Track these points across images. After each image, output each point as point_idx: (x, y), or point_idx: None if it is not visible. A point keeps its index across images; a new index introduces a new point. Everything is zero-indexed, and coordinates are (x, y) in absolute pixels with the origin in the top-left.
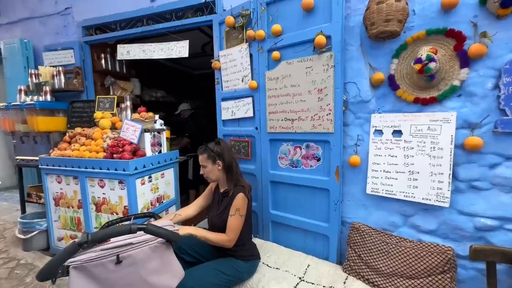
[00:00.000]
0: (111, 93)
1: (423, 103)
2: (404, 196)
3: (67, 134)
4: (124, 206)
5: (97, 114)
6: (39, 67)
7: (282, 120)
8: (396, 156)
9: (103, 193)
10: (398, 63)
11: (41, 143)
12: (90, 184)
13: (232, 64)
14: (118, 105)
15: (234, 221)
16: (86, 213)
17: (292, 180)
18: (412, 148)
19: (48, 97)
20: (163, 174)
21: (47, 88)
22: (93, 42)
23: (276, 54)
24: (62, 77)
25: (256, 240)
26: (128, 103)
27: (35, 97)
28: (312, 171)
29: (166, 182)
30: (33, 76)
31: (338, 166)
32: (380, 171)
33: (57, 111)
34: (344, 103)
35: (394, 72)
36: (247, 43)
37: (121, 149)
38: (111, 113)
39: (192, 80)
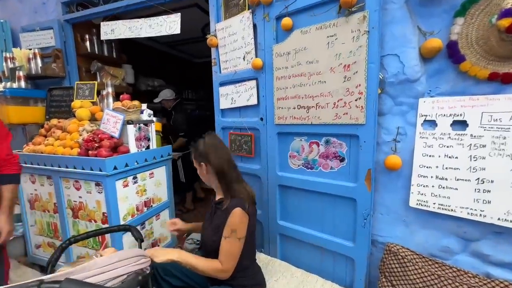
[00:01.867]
0: (99, 81)
1: (505, 81)
2: (469, 213)
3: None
4: (103, 213)
5: (75, 103)
6: (13, 49)
7: (294, 108)
8: (456, 157)
9: (79, 197)
10: (465, 24)
11: (15, 137)
12: (65, 185)
13: (232, 39)
14: (100, 93)
15: (229, 246)
16: (62, 219)
17: (306, 185)
18: (484, 146)
19: (22, 84)
20: (152, 173)
21: (21, 73)
22: (76, 20)
23: (287, 21)
24: (39, 60)
25: (260, 256)
26: (110, 89)
27: (8, 84)
28: (333, 174)
29: (156, 183)
30: (8, 60)
31: (370, 169)
32: (431, 177)
33: (34, 100)
34: (380, 84)
35: (457, 38)
36: (250, 10)
37: (97, 145)
38: (91, 102)
39: (194, 69)
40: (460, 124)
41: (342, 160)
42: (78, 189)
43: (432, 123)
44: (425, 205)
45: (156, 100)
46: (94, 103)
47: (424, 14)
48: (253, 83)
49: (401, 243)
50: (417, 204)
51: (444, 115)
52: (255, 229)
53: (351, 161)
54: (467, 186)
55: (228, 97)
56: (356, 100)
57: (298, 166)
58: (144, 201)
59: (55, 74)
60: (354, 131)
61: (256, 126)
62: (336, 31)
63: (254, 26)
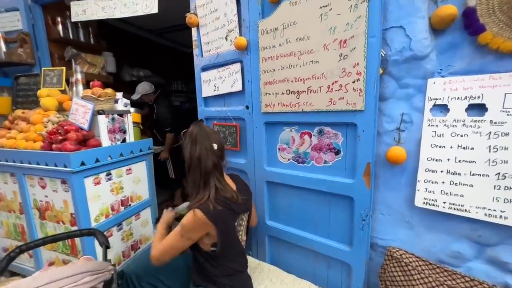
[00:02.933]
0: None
1: None
2: (486, 214)
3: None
4: (71, 214)
5: (42, 92)
6: None
7: (282, 93)
8: (472, 148)
9: (45, 196)
10: None
11: None
12: (29, 183)
13: (214, 17)
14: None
15: (170, 236)
16: (29, 220)
17: (297, 181)
18: (506, 134)
19: None
20: (129, 169)
21: None
22: (45, 1)
23: None
24: (3, 45)
25: (249, 259)
26: (79, 75)
27: None
28: (327, 169)
29: (135, 180)
30: None
31: (370, 163)
32: (442, 172)
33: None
34: (381, 63)
35: (475, 3)
36: None
37: (61, 137)
38: (60, 90)
39: (184, 59)
40: (478, 109)
41: (337, 153)
42: (43, 187)
43: (443, 108)
44: (433, 205)
45: (134, 97)
46: (63, 92)
47: None
48: (237, 66)
49: (404, 247)
50: (424, 203)
51: (458, 98)
52: (233, 238)
53: (347, 154)
54: (485, 182)
55: (210, 83)
56: (353, 82)
57: (288, 160)
58: (121, 200)
59: (22, 60)
60: (351, 119)
61: (241, 116)
62: (330, 0)
63: (237, 0)
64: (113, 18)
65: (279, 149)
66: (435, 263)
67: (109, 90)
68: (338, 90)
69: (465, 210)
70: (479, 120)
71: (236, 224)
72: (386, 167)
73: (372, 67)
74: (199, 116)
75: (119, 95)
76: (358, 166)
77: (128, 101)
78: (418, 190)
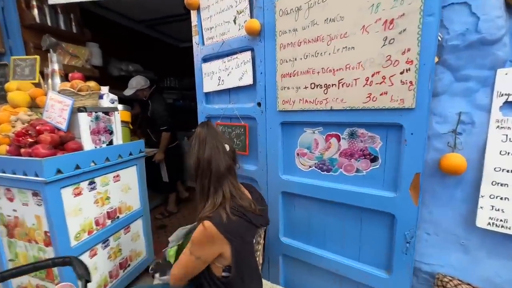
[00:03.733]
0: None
1: None
2: None
3: None
4: (45, 232)
5: (11, 85)
6: None
7: (306, 87)
8: None
9: (14, 210)
10: None
11: None
12: None
13: None
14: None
15: (182, 256)
16: None
17: (320, 192)
18: None
19: None
20: (117, 176)
21: None
22: None
23: None
24: None
25: None
26: (56, 66)
27: None
28: (359, 179)
29: (124, 188)
30: None
31: (419, 174)
32: None
33: None
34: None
35: None
36: None
37: (31, 140)
38: (33, 83)
39: (178, 54)
40: None
41: (373, 160)
42: (11, 200)
43: None
44: (502, 226)
45: (128, 93)
46: (37, 85)
47: None
48: (247, 55)
49: (456, 275)
50: (489, 223)
51: None
52: (250, 258)
53: (387, 162)
54: None
55: (214, 76)
56: (401, 73)
57: (310, 167)
58: (107, 212)
59: None
60: (396, 119)
61: (251, 114)
62: None
63: None
64: (97, 6)
65: (298, 154)
66: None
67: (92, 83)
68: (380, 83)
69: None
70: None
71: (254, 241)
72: (435, 177)
73: (428, 54)
74: (199, 115)
75: (105, 89)
76: (402, 177)
77: (116, 97)
78: (481, 207)
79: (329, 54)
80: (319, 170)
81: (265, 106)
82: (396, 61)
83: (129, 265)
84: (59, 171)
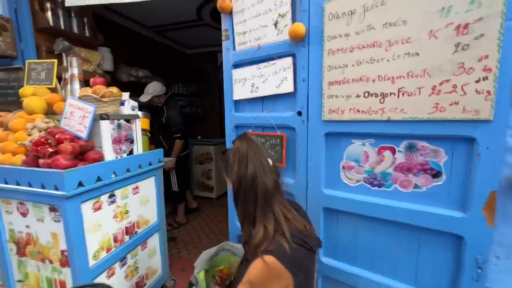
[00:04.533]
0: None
1: None
2: None
3: None
4: (62, 252)
5: (25, 90)
6: None
7: (358, 96)
8: None
9: (27, 226)
10: None
11: None
12: (5, 209)
13: (255, 1)
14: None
15: None
16: (1, 257)
17: (370, 209)
18: None
19: None
20: (136, 187)
21: None
22: None
23: None
24: None
25: None
26: (76, 70)
27: None
28: (418, 196)
29: (143, 200)
30: None
31: (495, 192)
32: None
33: None
34: None
35: None
36: None
37: (51, 149)
38: (49, 88)
39: (184, 60)
40: None
41: (436, 175)
42: (24, 215)
43: None
44: None
45: (144, 99)
46: (53, 90)
47: None
48: (287, 61)
49: None
50: None
51: None
52: (311, 285)
53: (453, 178)
54: None
55: (246, 83)
56: (477, 81)
57: (357, 181)
58: (126, 228)
59: (0, 51)
60: (468, 132)
61: (290, 124)
62: None
63: None
64: (108, 10)
65: (343, 167)
66: None
67: (114, 89)
68: (450, 92)
69: None
70: None
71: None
72: (506, 196)
73: (509, 61)
74: (227, 124)
75: (126, 95)
76: (474, 195)
77: (136, 104)
78: None
79: (388, 60)
80: (369, 185)
81: (307, 115)
82: (471, 68)
83: (145, 284)
84: (80, 184)
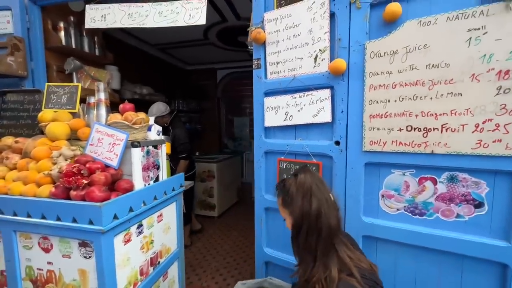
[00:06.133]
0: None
1: None
2: None
3: None
4: None
5: (45, 114)
6: None
7: (400, 129)
8: None
9: (49, 263)
10: None
11: None
12: (22, 244)
13: (291, 34)
14: (84, 101)
15: None
16: None
17: (410, 238)
18: None
19: None
20: (160, 215)
21: None
22: (46, 2)
23: (394, 7)
24: None
25: None
26: (102, 95)
27: None
28: (460, 225)
29: (165, 228)
30: None
31: None
32: None
33: None
34: None
35: None
36: None
37: (85, 181)
38: (71, 113)
39: (184, 76)
40: None
41: (478, 205)
42: (47, 250)
43: None
44: None
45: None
46: (75, 115)
47: None
48: (325, 93)
49: None
50: None
51: None
52: None
53: (495, 209)
54: None
55: (279, 111)
56: None
57: (398, 210)
58: (151, 259)
59: (12, 71)
60: (509, 166)
61: (327, 153)
62: (484, 22)
63: (332, 15)
64: (119, 29)
65: (383, 196)
66: None
67: (142, 115)
68: (493, 131)
69: None
70: None
71: None
72: None
73: None
74: (256, 150)
75: (151, 120)
76: None
77: (161, 128)
78: None
79: (431, 98)
80: (410, 214)
81: (345, 145)
82: None
83: None
84: (115, 217)
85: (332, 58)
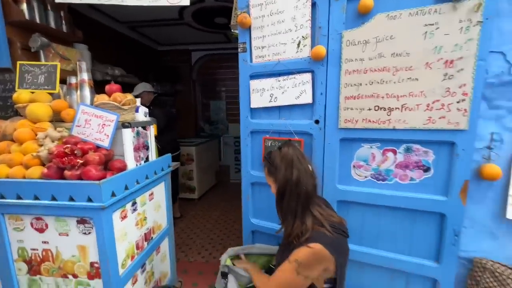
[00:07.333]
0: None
1: None
2: None
3: None
4: (91, 263)
5: (22, 95)
6: None
7: (369, 109)
8: None
9: (44, 242)
10: None
11: None
12: (13, 226)
13: (275, 20)
14: (63, 81)
15: (285, 271)
16: (6, 279)
17: (375, 199)
18: None
19: None
20: (151, 193)
21: None
22: None
23: (366, 1)
24: None
25: None
26: (85, 75)
27: None
28: (413, 186)
29: (156, 206)
30: None
31: (468, 181)
32: None
33: None
34: None
35: None
36: None
37: (80, 161)
38: (49, 93)
39: (156, 57)
40: None
41: (426, 170)
42: (40, 230)
43: None
44: None
45: (135, 93)
46: (52, 96)
47: None
48: (306, 76)
49: (486, 257)
50: None
51: None
52: (345, 270)
53: (438, 171)
54: None
55: (264, 93)
56: (458, 102)
57: (366, 177)
58: (145, 234)
59: None
60: (450, 138)
61: (308, 131)
62: (437, 19)
63: (313, 4)
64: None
65: (354, 166)
66: None
67: (129, 96)
68: (439, 109)
69: None
70: None
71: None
72: (472, 182)
73: (478, 88)
74: (242, 129)
75: (138, 101)
76: (453, 183)
77: (147, 110)
78: (511, 204)
79: (394, 82)
80: (375, 180)
81: (324, 123)
82: (454, 92)
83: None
84: (113, 194)
85: (313, 45)
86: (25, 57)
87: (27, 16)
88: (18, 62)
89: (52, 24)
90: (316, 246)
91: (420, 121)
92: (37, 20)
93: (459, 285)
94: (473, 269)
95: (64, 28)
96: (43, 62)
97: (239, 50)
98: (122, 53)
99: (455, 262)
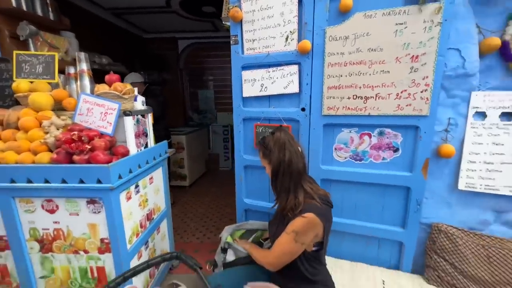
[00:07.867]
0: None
1: None
2: (511, 191)
3: None
4: (101, 240)
5: (22, 84)
6: None
7: (348, 98)
8: (503, 144)
9: (55, 222)
10: None
11: None
12: (24, 209)
13: (265, 15)
14: (61, 71)
15: (284, 242)
16: (19, 257)
17: (354, 177)
18: None
19: None
20: (151, 178)
21: None
22: None
23: (346, 1)
24: None
25: None
26: (84, 65)
27: None
28: (385, 165)
29: (155, 189)
30: None
31: (428, 159)
32: (479, 162)
33: None
34: None
35: (509, 38)
36: None
37: (88, 146)
38: (48, 83)
39: (143, 45)
40: (508, 116)
41: (395, 150)
42: (51, 211)
43: (481, 115)
44: (472, 187)
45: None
46: (54, 86)
47: (482, 13)
48: (294, 68)
49: (443, 222)
50: (466, 186)
51: (494, 107)
52: (329, 234)
53: (405, 151)
54: (510, 168)
55: (256, 83)
56: (421, 91)
57: (345, 158)
58: (147, 214)
59: None
60: (415, 122)
61: (295, 117)
62: (406, 19)
63: (300, 2)
64: None
65: (335, 148)
66: (468, 230)
67: (128, 85)
68: (406, 98)
69: (496, 189)
70: (508, 124)
71: None
72: (432, 160)
73: (438, 80)
74: (235, 117)
75: (136, 90)
76: (417, 161)
77: (144, 98)
78: (461, 177)
79: (370, 74)
80: (353, 160)
81: (309, 111)
82: (418, 83)
83: (160, 265)
84: (119, 177)
85: (299, 39)
86: (14, 45)
87: (14, 4)
88: (15, 52)
89: (39, 11)
90: (310, 215)
91: (391, 108)
92: (24, 8)
93: (420, 246)
94: (432, 232)
95: (51, 16)
96: (38, 52)
97: (231, 42)
98: (108, 41)
99: (417, 227)
